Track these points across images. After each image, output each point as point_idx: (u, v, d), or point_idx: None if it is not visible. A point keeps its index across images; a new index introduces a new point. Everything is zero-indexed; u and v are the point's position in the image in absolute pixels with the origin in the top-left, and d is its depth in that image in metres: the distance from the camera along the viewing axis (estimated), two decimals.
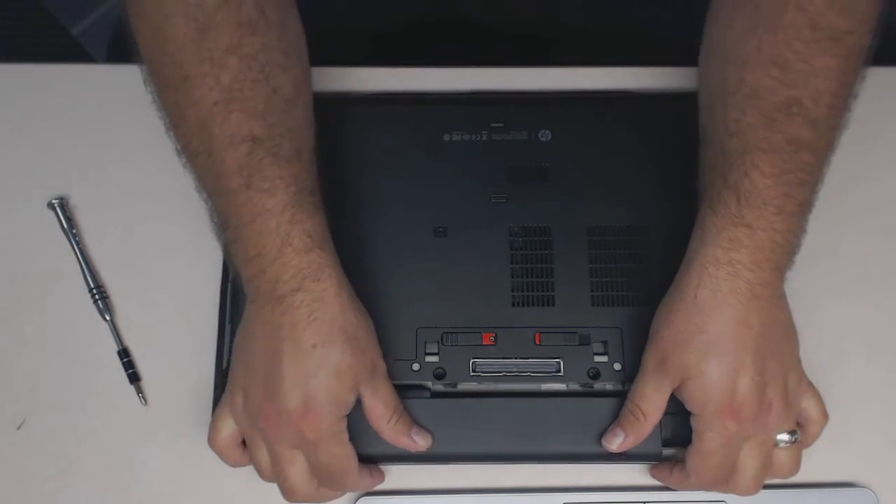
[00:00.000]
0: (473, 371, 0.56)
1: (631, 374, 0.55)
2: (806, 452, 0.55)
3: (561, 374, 0.56)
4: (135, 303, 0.60)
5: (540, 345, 0.56)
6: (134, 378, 0.58)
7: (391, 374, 0.54)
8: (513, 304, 0.57)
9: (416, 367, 0.56)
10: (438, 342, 0.56)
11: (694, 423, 0.52)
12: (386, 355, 0.54)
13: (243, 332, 0.53)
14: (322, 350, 0.50)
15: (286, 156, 0.51)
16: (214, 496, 0.56)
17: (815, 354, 0.57)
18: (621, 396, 0.54)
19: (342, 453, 0.51)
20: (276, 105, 0.51)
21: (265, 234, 0.50)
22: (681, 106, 0.61)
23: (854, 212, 0.61)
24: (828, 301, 0.59)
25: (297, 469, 0.51)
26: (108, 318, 0.59)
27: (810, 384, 0.53)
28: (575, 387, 0.56)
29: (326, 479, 0.52)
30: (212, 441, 0.53)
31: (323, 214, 0.53)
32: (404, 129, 0.61)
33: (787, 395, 0.51)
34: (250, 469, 0.54)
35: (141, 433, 0.57)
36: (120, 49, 0.76)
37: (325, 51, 0.63)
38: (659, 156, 0.60)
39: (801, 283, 0.58)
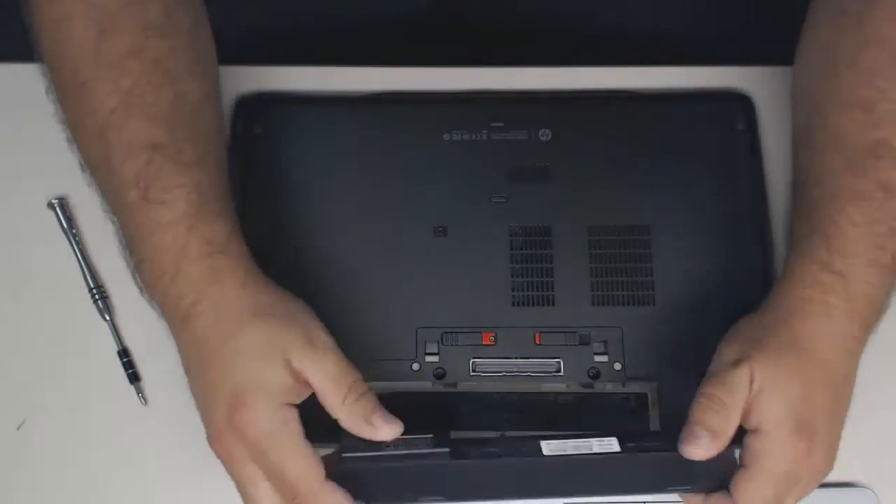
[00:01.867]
0: (473, 371, 0.56)
1: (631, 373, 0.55)
2: None
3: (561, 373, 0.56)
4: (135, 303, 0.59)
5: (540, 345, 0.56)
6: (134, 378, 0.58)
7: (391, 375, 0.55)
8: (513, 304, 0.57)
9: (416, 366, 0.56)
10: (438, 342, 0.56)
11: (758, 441, 0.47)
12: (386, 355, 0.55)
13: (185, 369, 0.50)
14: (234, 341, 0.46)
15: (188, 161, 0.48)
16: (214, 496, 0.56)
17: None
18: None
19: (294, 451, 0.45)
20: (181, 110, 0.49)
21: (162, 250, 0.47)
22: (681, 106, 0.62)
23: None
24: None
25: (261, 490, 0.46)
26: (108, 318, 0.59)
27: None
28: (575, 387, 0.56)
29: (287, 491, 0.45)
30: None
31: (228, 220, 0.49)
32: (404, 129, 0.61)
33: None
34: None
35: (141, 433, 0.57)
36: None
37: (325, 50, 0.64)
38: (659, 156, 0.60)
39: None
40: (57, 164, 0.62)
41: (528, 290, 0.57)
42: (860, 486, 0.55)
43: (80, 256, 0.60)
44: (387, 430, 0.46)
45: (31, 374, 0.58)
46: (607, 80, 0.64)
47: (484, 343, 0.56)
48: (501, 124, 0.61)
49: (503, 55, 0.65)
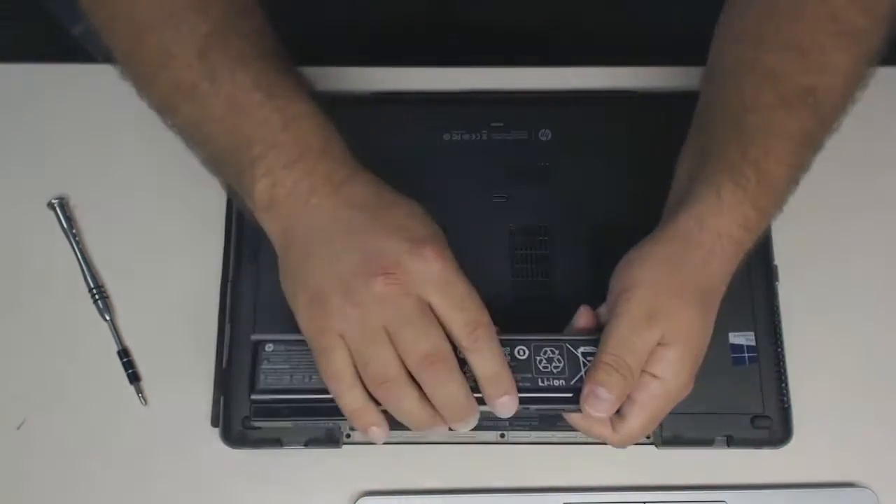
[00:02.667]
0: None
1: None
2: (805, 452, 0.55)
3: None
4: (135, 303, 0.60)
5: None
6: (134, 378, 0.58)
7: None
8: (513, 304, 0.57)
9: None
10: None
11: (652, 382, 0.47)
12: None
13: (299, 256, 0.48)
14: (406, 207, 0.48)
15: (295, 74, 0.51)
16: (214, 496, 0.56)
17: (815, 355, 0.57)
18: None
19: (472, 290, 0.47)
20: (270, 34, 0.52)
21: (306, 134, 0.48)
22: (681, 105, 0.61)
23: (859, 212, 0.61)
24: (829, 301, 0.59)
25: (434, 334, 0.45)
26: (108, 318, 0.59)
27: None
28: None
29: (467, 321, 0.46)
30: (338, 383, 0.46)
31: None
32: (404, 129, 0.61)
33: None
34: (250, 469, 0.54)
35: (141, 433, 0.57)
36: None
37: (325, 51, 0.63)
38: (659, 155, 0.60)
39: (802, 284, 0.59)
40: (57, 164, 0.62)
41: (528, 290, 0.57)
42: (860, 486, 0.55)
43: (80, 256, 0.60)
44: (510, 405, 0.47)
45: (31, 374, 0.58)
46: (607, 80, 0.64)
47: None
48: (501, 124, 0.61)
49: (503, 55, 0.65)
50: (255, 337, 0.50)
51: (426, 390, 0.45)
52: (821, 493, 0.55)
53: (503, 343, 0.47)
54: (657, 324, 0.47)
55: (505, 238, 0.58)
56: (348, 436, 0.56)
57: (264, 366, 0.49)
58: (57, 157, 0.63)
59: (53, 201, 0.61)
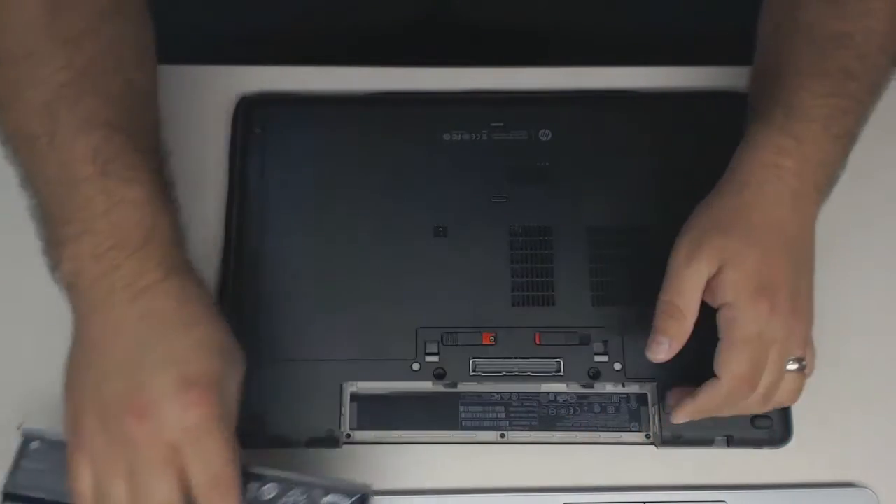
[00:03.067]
0: (473, 371, 0.56)
1: (631, 373, 0.55)
2: (805, 452, 0.55)
3: (561, 373, 0.56)
4: None
5: (540, 345, 0.56)
6: None
7: (391, 375, 0.55)
8: (513, 304, 0.57)
9: (416, 366, 0.56)
10: (438, 342, 0.56)
11: (726, 313, 0.49)
12: (386, 355, 0.55)
13: (79, 358, 0.47)
14: (198, 329, 0.46)
15: (146, 148, 0.47)
16: None
17: (815, 354, 0.57)
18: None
19: (226, 442, 0.45)
20: (133, 98, 0.48)
21: (126, 225, 0.45)
22: (681, 106, 0.62)
23: (859, 212, 0.61)
24: (829, 302, 0.59)
25: (169, 488, 0.43)
26: None
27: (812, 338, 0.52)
28: (575, 387, 0.56)
29: (206, 479, 0.44)
30: (80, 494, 0.45)
31: (180, 221, 0.49)
32: (404, 129, 0.61)
33: (810, 319, 0.51)
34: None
35: None
36: None
37: (325, 50, 0.64)
38: (659, 155, 0.60)
39: None
40: None
41: (528, 290, 0.57)
42: (860, 486, 0.55)
43: None
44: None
45: (31, 375, 0.58)
46: (607, 80, 0.64)
47: (484, 343, 0.56)
48: (501, 124, 0.61)
49: (503, 55, 0.65)
50: (25, 429, 0.50)
51: None
52: (821, 493, 0.55)
53: (255, 477, 0.47)
54: (699, 260, 0.49)
55: (505, 238, 0.58)
56: (348, 436, 0.56)
57: (25, 462, 0.49)
58: None
59: None
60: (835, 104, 0.51)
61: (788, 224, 0.50)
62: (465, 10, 0.72)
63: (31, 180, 0.48)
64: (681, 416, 0.52)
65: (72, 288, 0.47)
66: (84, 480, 0.45)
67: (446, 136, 0.61)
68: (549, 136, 0.61)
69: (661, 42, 0.65)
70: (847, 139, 0.52)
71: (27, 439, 0.49)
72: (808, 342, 0.52)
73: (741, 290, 0.49)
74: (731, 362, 0.49)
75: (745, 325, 0.49)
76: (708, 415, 0.52)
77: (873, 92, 0.53)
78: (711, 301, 0.50)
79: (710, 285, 0.50)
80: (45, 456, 0.49)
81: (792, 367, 0.50)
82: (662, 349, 0.50)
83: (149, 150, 0.48)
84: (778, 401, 0.51)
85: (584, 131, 0.61)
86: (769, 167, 0.50)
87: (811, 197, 0.51)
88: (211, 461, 0.44)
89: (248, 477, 0.47)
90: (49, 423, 0.57)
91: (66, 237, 0.46)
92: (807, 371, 0.52)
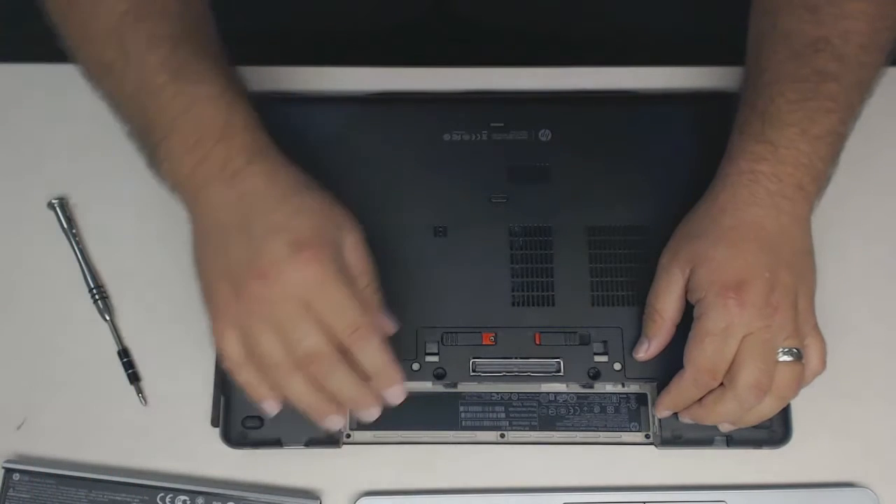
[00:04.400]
0: (473, 371, 0.56)
1: (631, 373, 0.56)
2: (805, 452, 0.55)
3: (561, 374, 0.56)
4: (135, 303, 0.60)
5: (540, 345, 0.56)
6: (134, 378, 0.58)
7: None
8: (513, 304, 0.57)
9: (416, 367, 0.56)
10: (438, 342, 0.56)
11: (697, 309, 0.51)
12: None
13: (200, 238, 0.51)
14: (295, 200, 0.50)
15: (211, 55, 0.51)
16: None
17: None
18: None
19: (351, 293, 0.48)
20: (191, 17, 0.52)
21: (205, 118, 0.49)
22: (680, 106, 0.62)
23: (859, 212, 0.61)
24: (828, 302, 0.59)
25: (314, 333, 0.47)
26: (108, 318, 0.59)
27: (819, 331, 0.53)
28: (575, 387, 0.56)
29: (343, 325, 0.48)
30: (231, 362, 0.49)
31: (256, 111, 0.52)
32: (404, 129, 0.61)
33: (797, 312, 0.51)
34: (250, 469, 0.54)
35: (141, 433, 0.57)
36: None
37: (325, 50, 0.64)
38: (659, 155, 0.60)
39: None
40: (57, 164, 0.62)
41: (528, 290, 0.57)
42: (860, 486, 0.55)
43: (80, 256, 0.60)
44: (389, 327, 0.52)
45: (31, 374, 0.58)
46: (607, 80, 0.64)
47: (484, 343, 0.56)
48: (501, 124, 0.61)
49: (503, 56, 0.65)
50: (5, 463, 0.54)
51: (315, 384, 0.49)
52: (821, 493, 0.55)
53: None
54: (674, 265, 0.53)
55: (505, 238, 0.58)
56: (348, 436, 0.56)
57: (10, 493, 0.53)
58: (57, 157, 0.63)
59: (53, 201, 0.61)
60: (813, 107, 0.52)
61: (765, 221, 0.51)
62: (464, 9, 0.72)
63: (119, 105, 0.52)
64: (661, 410, 0.54)
65: (176, 186, 0.51)
66: (231, 344, 0.49)
67: (446, 136, 0.61)
68: (549, 137, 0.61)
69: (660, 42, 0.65)
70: (831, 138, 0.52)
71: (9, 471, 0.54)
72: (808, 334, 0.52)
73: (709, 287, 0.51)
74: (693, 353, 0.51)
75: (710, 319, 0.50)
76: (709, 419, 0.53)
77: (860, 90, 0.53)
78: (691, 301, 0.52)
79: (687, 287, 0.52)
80: (28, 487, 0.53)
81: (785, 358, 0.50)
82: (643, 348, 0.54)
83: (213, 57, 0.51)
84: (778, 395, 0.51)
85: (584, 131, 0.61)
86: (744, 174, 0.52)
87: (794, 196, 0.52)
88: (342, 310, 0.48)
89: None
90: (49, 422, 0.57)
91: (157, 141, 0.50)
92: (812, 363, 0.52)
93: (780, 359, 0.50)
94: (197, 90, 0.50)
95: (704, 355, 0.50)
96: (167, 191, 0.51)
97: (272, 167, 0.50)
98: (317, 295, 0.48)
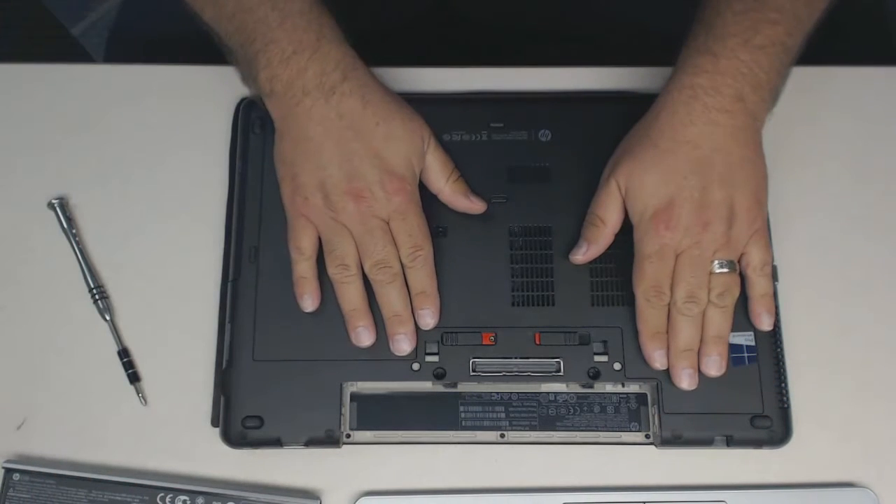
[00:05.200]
0: (473, 371, 0.56)
1: (631, 373, 0.56)
2: (805, 452, 0.55)
3: (561, 373, 0.56)
4: (135, 303, 0.60)
5: (540, 345, 0.56)
6: (134, 378, 0.58)
7: (391, 375, 0.55)
8: (513, 304, 0.57)
9: (416, 367, 0.56)
10: (438, 342, 0.56)
11: (635, 234, 0.55)
12: (386, 355, 0.55)
13: (291, 145, 0.56)
14: (384, 126, 0.55)
15: None
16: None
17: (815, 354, 0.57)
18: None
19: (424, 222, 0.56)
20: None
21: (299, 30, 0.54)
22: None
23: (859, 212, 0.61)
24: (828, 302, 0.59)
25: (388, 245, 0.55)
26: (108, 318, 0.59)
27: (765, 234, 0.55)
28: (575, 387, 0.56)
29: (412, 244, 0.55)
30: (298, 251, 0.56)
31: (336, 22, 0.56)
32: None
33: (731, 225, 0.54)
34: (250, 469, 0.54)
35: (141, 433, 0.57)
36: (118, 49, 0.76)
37: None
38: None
39: (803, 284, 0.59)
40: (57, 164, 0.62)
41: (528, 290, 0.57)
42: (860, 486, 0.55)
43: (80, 256, 0.60)
44: (479, 205, 0.58)
45: (31, 374, 0.58)
46: (607, 80, 0.64)
47: (484, 343, 0.56)
48: (501, 124, 0.61)
49: (503, 55, 0.65)
50: (5, 463, 0.55)
51: (374, 289, 0.56)
52: (821, 493, 0.55)
53: None
54: (613, 179, 0.55)
55: (504, 238, 0.58)
56: (348, 436, 0.56)
57: (10, 493, 0.54)
58: (57, 157, 0.63)
59: (53, 201, 0.61)
60: (756, 17, 0.53)
61: (700, 140, 0.53)
62: (465, 11, 0.72)
63: (219, 27, 0.56)
64: (648, 352, 0.56)
65: (271, 94, 0.56)
66: (306, 237, 0.56)
67: (446, 137, 0.61)
68: (549, 137, 0.61)
69: (660, 42, 0.65)
70: (775, 49, 0.53)
71: (9, 471, 0.54)
72: (749, 240, 0.54)
73: (641, 216, 0.54)
74: (637, 276, 0.55)
75: (645, 244, 0.54)
76: (678, 349, 0.55)
77: (808, 1, 0.54)
78: (631, 221, 0.56)
79: (625, 203, 0.56)
80: (28, 487, 0.54)
81: (721, 270, 0.54)
82: (580, 251, 0.57)
83: None
84: (720, 304, 0.54)
85: (584, 131, 0.61)
86: (685, 89, 0.54)
87: (732, 108, 0.53)
88: (412, 234, 0.55)
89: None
90: (49, 422, 0.57)
91: (255, 53, 0.55)
92: (753, 264, 0.55)
93: (716, 271, 0.54)
94: (290, 5, 0.54)
95: (645, 275, 0.54)
96: (261, 98, 0.57)
97: (363, 83, 0.56)
98: (396, 219, 0.55)
